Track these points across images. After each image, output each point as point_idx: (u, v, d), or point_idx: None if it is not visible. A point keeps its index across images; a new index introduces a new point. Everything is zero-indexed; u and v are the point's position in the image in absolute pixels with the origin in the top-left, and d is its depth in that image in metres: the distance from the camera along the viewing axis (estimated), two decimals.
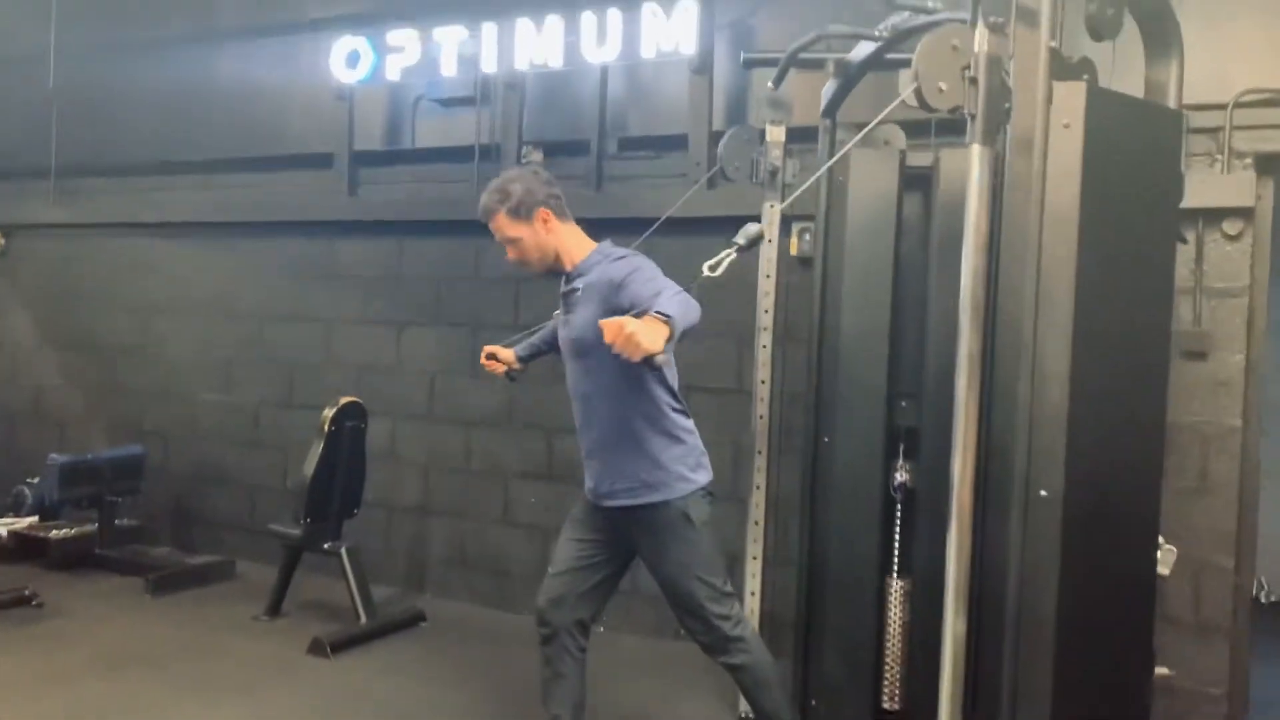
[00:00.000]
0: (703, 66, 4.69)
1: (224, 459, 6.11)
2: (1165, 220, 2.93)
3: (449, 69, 5.21)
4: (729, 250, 2.64)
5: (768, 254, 3.91)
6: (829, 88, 3.74)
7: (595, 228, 4.95)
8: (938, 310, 3.68)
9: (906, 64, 3.65)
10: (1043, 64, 2.58)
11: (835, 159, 3.44)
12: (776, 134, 3.82)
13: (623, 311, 2.81)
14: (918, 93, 2.54)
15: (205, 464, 6.15)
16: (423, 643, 4.76)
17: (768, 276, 3.90)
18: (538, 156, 5.26)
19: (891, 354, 3.75)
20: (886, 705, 3.83)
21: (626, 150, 5.05)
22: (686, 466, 2.99)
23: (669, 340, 2.50)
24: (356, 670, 4.38)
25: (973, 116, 2.54)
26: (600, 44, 4.80)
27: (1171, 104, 3.02)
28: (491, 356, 3.53)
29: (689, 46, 4.63)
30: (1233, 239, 3.82)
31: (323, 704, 4.03)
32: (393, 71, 5.34)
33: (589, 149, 5.07)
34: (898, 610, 3.81)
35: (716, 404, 4.75)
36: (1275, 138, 3.76)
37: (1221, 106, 3.78)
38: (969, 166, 2.57)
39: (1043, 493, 2.65)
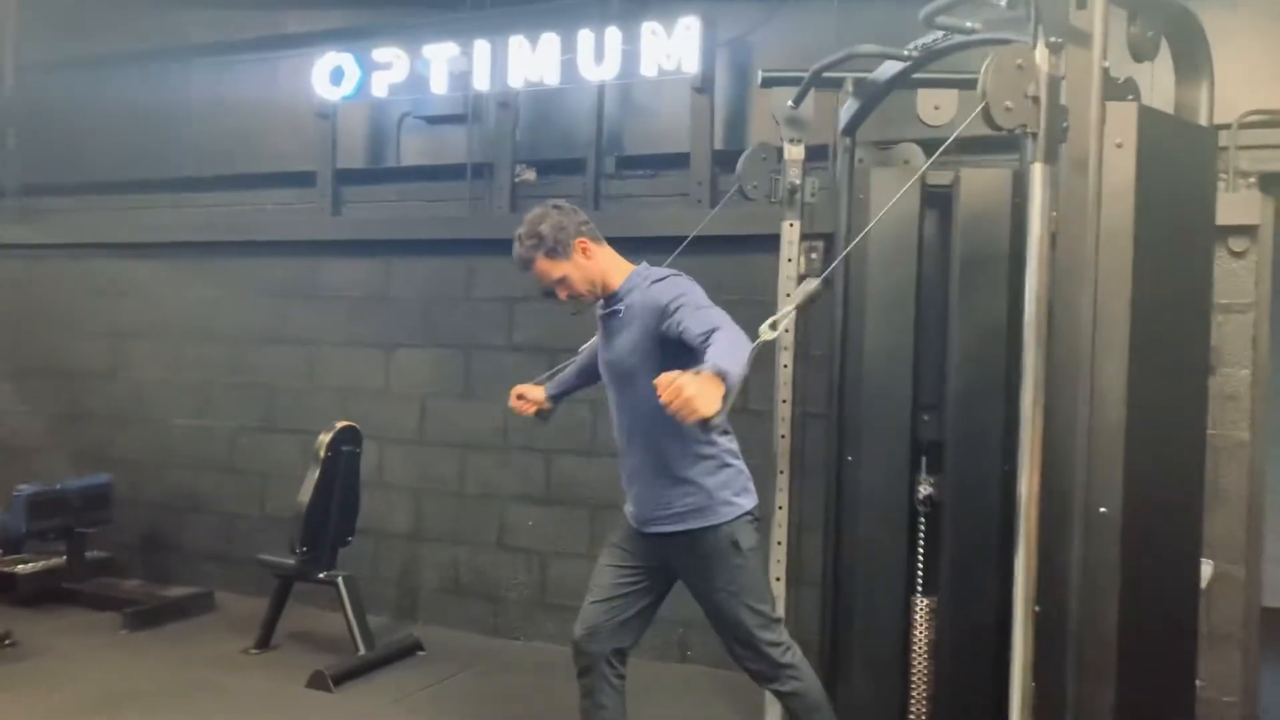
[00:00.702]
0: (705, 85, 4.68)
1: (199, 486, 5.90)
2: (1204, 237, 2.98)
3: (439, 86, 5.13)
4: (788, 309, 2.56)
5: (787, 271, 3.89)
6: (849, 106, 3.75)
7: None
8: (960, 327, 3.72)
9: (930, 84, 3.73)
10: (1096, 84, 2.60)
11: (909, 183, 3.43)
12: (795, 153, 3.81)
13: (667, 338, 2.80)
14: (985, 111, 2.54)
15: (178, 492, 5.93)
16: (424, 672, 4.62)
17: (787, 295, 3.88)
18: (531, 175, 5.21)
19: (915, 372, 3.78)
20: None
21: (624, 169, 5.01)
22: (732, 491, 2.94)
23: (726, 398, 2.36)
24: (362, 703, 4.24)
25: (1034, 135, 2.55)
26: (598, 62, 4.76)
27: (1203, 123, 3.07)
28: (521, 397, 3.40)
29: (691, 65, 4.61)
30: (1238, 256, 3.90)
31: None
32: (379, 88, 5.23)
33: (585, 168, 5.03)
34: (923, 628, 3.82)
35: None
36: (1278, 157, 3.85)
37: (1225, 126, 3.86)
38: (1031, 185, 2.57)
39: (1102, 509, 2.66)
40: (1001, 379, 3.71)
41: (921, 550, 3.81)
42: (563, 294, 3.06)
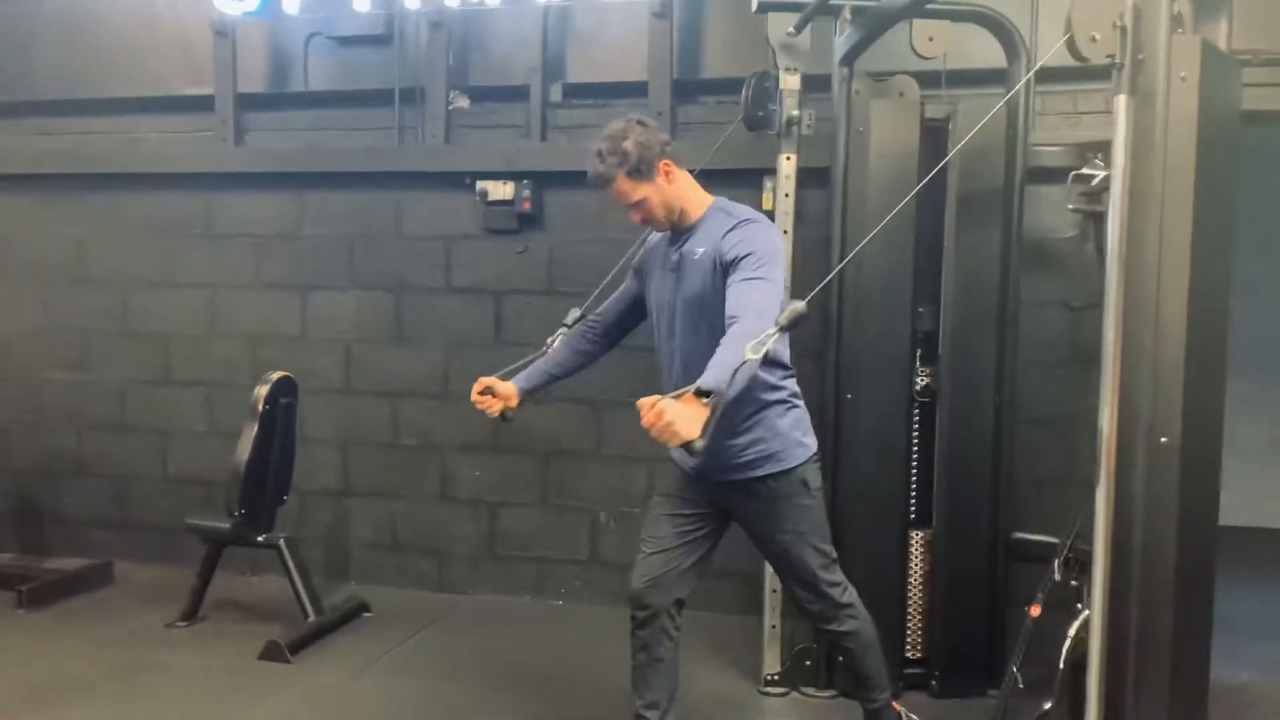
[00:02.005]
0: (664, 10, 4.46)
1: (82, 448, 5.31)
2: (1234, 167, 3.03)
3: (360, 3, 4.70)
4: (772, 332, 2.36)
5: (784, 208, 3.78)
6: (848, 35, 3.64)
7: (542, 181, 4.72)
8: (955, 262, 3.73)
9: (939, 14, 3.67)
10: (1165, 16, 2.60)
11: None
12: (792, 82, 3.67)
13: (722, 279, 2.66)
14: (1070, 42, 2.50)
15: (57, 455, 5.32)
16: (378, 636, 4.34)
17: (785, 232, 3.77)
18: (464, 103, 4.86)
19: (912, 310, 3.78)
20: (910, 654, 3.90)
21: (571, 98, 4.74)
22: (801, 432, 2.85)
23: (709, 422, 2.25)
24: (326, 673, 3.94)
25: (1121, 66, 2.52)
26: None
27: None
28: (486, 391, 3.06)
29: None
30: None
31: (322, 715, 3.60)
32: (289, 3, 4.73)
33: (528, 95, 4.72)
34: (919, 561, 3.87)
35: None
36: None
37: None
38: (1114, 117, 2.57)
39: (1163, 439, 2.71)
40: (995, 314, 3.77)
41: (914, 486, 3.86)
42: (636, 217, 2.86)
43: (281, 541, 4.30)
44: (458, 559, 4.92)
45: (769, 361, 2.78)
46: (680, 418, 2.21)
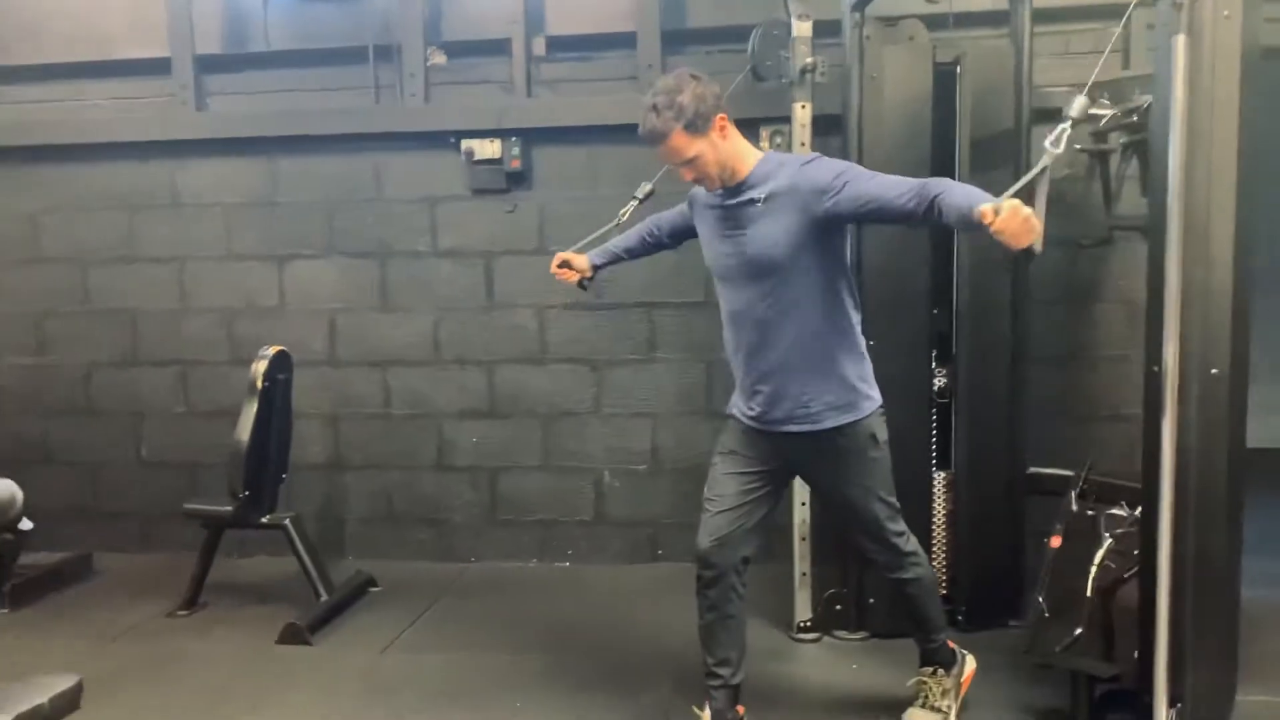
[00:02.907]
0: None
1: (48, 435, 5.05)
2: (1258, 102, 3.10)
3: None
4: (1063, 124, 2.49)
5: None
6: None
7: (529, 138, 4.60)
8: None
9: None
10: None
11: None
12: (804, 29, 3.64)
13: (830, 220, 2.64)
14: None
15: (20, 443, 5.04)
16: (393, 611, 4.24)
17: None
18: (441, 58, 4.70)
19: (931, 257, 3.80)
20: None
21: (555, 51, 4.61)
22: (868, 384, 2.84)
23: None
24: (351, 652, 3.84)
25: (1180, 6, 2.56)
26: None
27: None
28: (564, 264, 3.27)
29: None
30: None
31: (360, 696, 3.49)
32: None
33: (508, 49, 4.58)
34: (941, 501, 3.94)
35: (684, 320, 4.57)
36: None
37: None
38: (1172, 57, 2.60)
39: (1213, 371, 2.80)
40: (1008, 252, 3.81)
41: (934, 428, 3.92)
42: (689, 175, 2.77)
43: (288, 521, 4.17)
44: (458, 527, 4.84)
45: (838, 301, 2.76)
46: (1030, 216, 2.28)
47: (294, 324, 4.83)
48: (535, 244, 4.65)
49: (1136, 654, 3.07)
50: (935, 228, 2.78)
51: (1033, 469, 3.95)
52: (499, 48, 4.60)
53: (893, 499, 2.93)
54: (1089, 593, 3.52)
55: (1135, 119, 3.54)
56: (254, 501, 4.10)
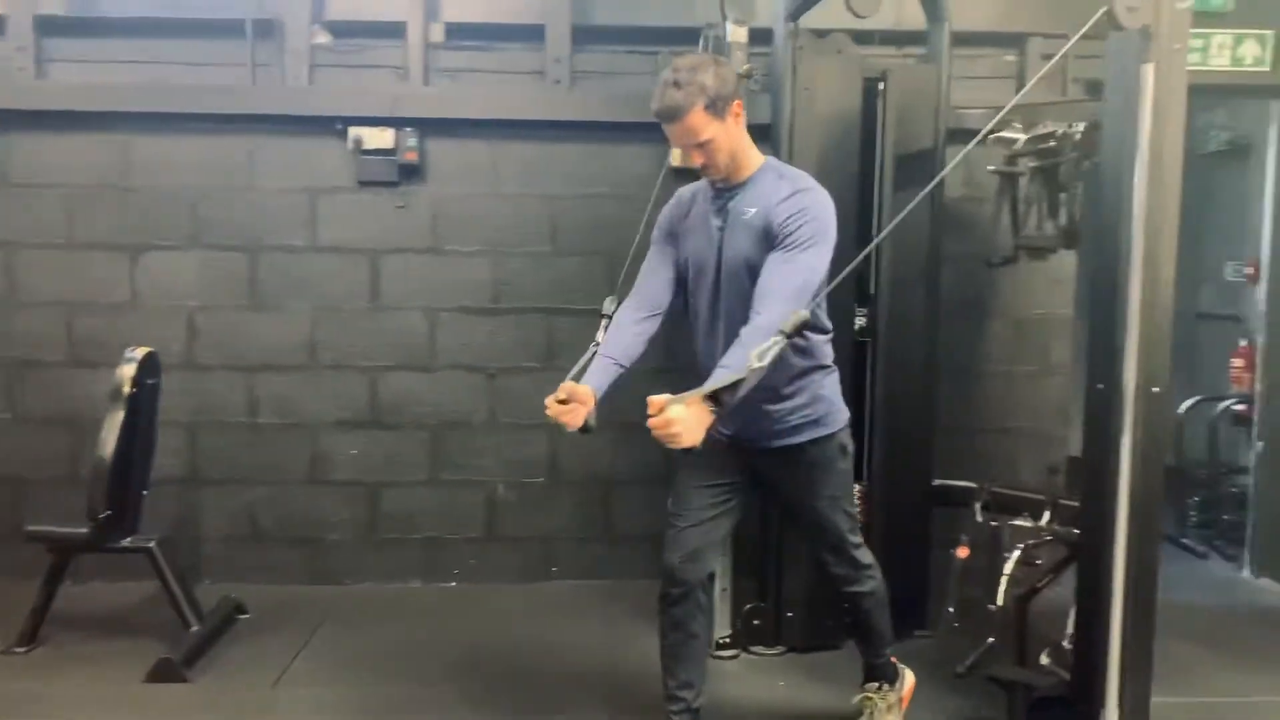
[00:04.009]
0: None
1: None
2: None
3: None
4: (778, 339, 2.31)
5: None
6: None
7: (425, 129, 4.33)
8: (890, 217, 3.79)
9: None
10: None
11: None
12: (740, 34, 3.58)
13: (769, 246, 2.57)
14: (1109, 13, 2.59)
15: None
16: (272, 639, 3.85)
17: None
18: (325, 38, 4.33)
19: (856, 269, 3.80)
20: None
21: (454, 39, 4.34)
22: (838, 396, 2.80)
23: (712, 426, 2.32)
24: (236, 686, 3.45)
25: (1151, 36, 2.64)
26: None
27: None
28: (567, 401, 2.59)
29: None
30: None
31: None
32: None
33: (403, 33, 4.28)
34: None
35: (587, 328, 4.33)
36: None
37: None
38: (1141, 86, 2.68)
39: (1155, 389, 2.90)
40: (924, 269, 3.89)
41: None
42: (699, 159, 2.63)
43: (154, 544, 3.71)
44: (332, 547, 4.47)
45: (813, 327, 2.70)
46: (685, 425, 2.25)
47: (147, 322, 4.32)
48: (428, 242, 4.36)
49: (1070, 664, 3.18)
50: None
51: (938, 481, 4.04)
52: (391, 30, 4.29)
53: (854, 510, 2.91)
54: (1000, 602, 3.63)
55: (1052, 144, 3.67)
56: (116, 522, 3.62)
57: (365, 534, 4.47)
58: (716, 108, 2.55)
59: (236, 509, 4.44)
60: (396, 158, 4.26)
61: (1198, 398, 5.29)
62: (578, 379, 2.65)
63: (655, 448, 4.29)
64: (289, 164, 4.31)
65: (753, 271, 2.61)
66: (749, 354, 2.27)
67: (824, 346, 2.76)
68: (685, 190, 2.86)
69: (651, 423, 2.24)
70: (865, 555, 2.95)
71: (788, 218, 2.56)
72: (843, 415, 2.81)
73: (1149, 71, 2.69)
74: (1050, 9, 4.28)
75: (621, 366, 2.74)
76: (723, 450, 2.79)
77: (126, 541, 3.70)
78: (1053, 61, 2.77)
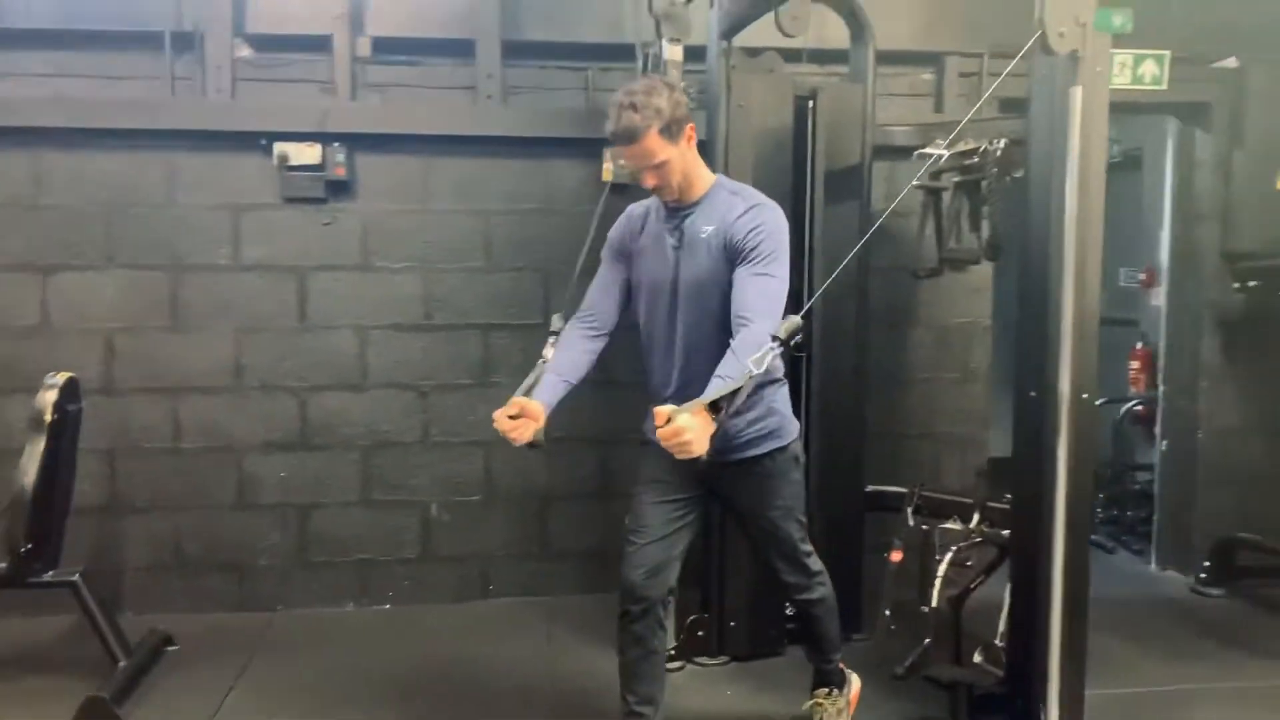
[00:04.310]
0: None
1: None
2: None
3: None
4: (774, 347, 2.36)
5: None
6: (728, 9, 3.65)
7: (353, 144, 4.27)
8: (824, 233, 3.90)
9: None
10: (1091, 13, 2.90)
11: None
12: (676, 53, 3.61)
13: (729, 263, 2.62)
14: (1042, 38, 2.70)
15: None
16: (202, 670, 3.73)
17: None
18: (246, 52, 4.24)
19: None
20: (789, 611, 4.05)
21: (381, 53, 4.28)
22: (789, 408, 2.86)
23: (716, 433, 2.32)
24: None
25: (1079, 60, 2.78)
26: None
27: None
28: (519, 416, 2.57)
29: None
30: None
31: None
32: None
33: (328, 47, 4.21)
34: None
35: (522, 343, 4.37)
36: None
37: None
38: (1070, 106, 2.81)
39: (1084, 395, 3.04)
40: (855, 281, 3.99)
41: None
42: (652, 181, 2.67)
43: (78, 577, 3.56)
44: (262, 572, 4.35)
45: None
46: (696, 433, 2.23)
47: (59, 345, 4.15)
48: (357, 258, 4.29)
49: (1005, 662, 3.31)
50: None
51: (870, 487, 4.15)
52: (315, 44, 4.22)
53: (804, 519, 2.97)
54: (934, 604, 3.74)
55: (975, 160, 3.81)
56: (37, 556, 3.47)
57: (296, 558, 4.37)
58: (671, 131, 2.60)
59: (159, 537, 4.29)
60: (324, 173, 4.18)
61: (1102, 400, 5.53)
62: (528, 394, 2.65)
63: (590, 463, 4.43)
64: (211, 180, 4.19)
65: (712, 288, 2.67)
66: (745, 362, 2.30)
67: (776, 360, 2.81)
68: (636, 208, 2.89)
69: (661, 433, 2.24)
70: (816, 563, 3.02)
71: (747, 233, 2.62)
72: (795, 427, 2.87)
73: (1077, 93, 2.82)
74: (966, 30, 4.45)
75: (569, 384, 2.77)
76: (680, 465, 2.80)
77: (49, 575, 3.55)
78: (996, 83, 2.87)
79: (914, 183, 4.05)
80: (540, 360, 2.78)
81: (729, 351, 2.45)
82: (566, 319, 2.87)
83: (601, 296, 2.88)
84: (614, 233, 2.91)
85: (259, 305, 4.26)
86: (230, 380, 4.27)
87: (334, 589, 4.39)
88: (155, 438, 4.25)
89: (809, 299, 3.89)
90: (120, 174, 4.14)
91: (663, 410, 2.26)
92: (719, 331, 2.67)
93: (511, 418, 2.56)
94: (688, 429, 2.21)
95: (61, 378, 3.53)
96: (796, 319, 2.41)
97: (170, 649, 3.92)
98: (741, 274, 2.59)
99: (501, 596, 4.47)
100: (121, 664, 3.58)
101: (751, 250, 2.59)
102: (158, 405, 4.24)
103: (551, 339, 2.83)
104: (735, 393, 2.29)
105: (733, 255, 2.63)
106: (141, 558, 4.28)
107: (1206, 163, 4.75)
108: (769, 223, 2.64)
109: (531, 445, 2.61)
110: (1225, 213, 4.68)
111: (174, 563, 4.30)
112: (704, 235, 2.67)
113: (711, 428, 2.28)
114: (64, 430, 3.53)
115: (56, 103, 4.06)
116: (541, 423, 2.61)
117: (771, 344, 2.34)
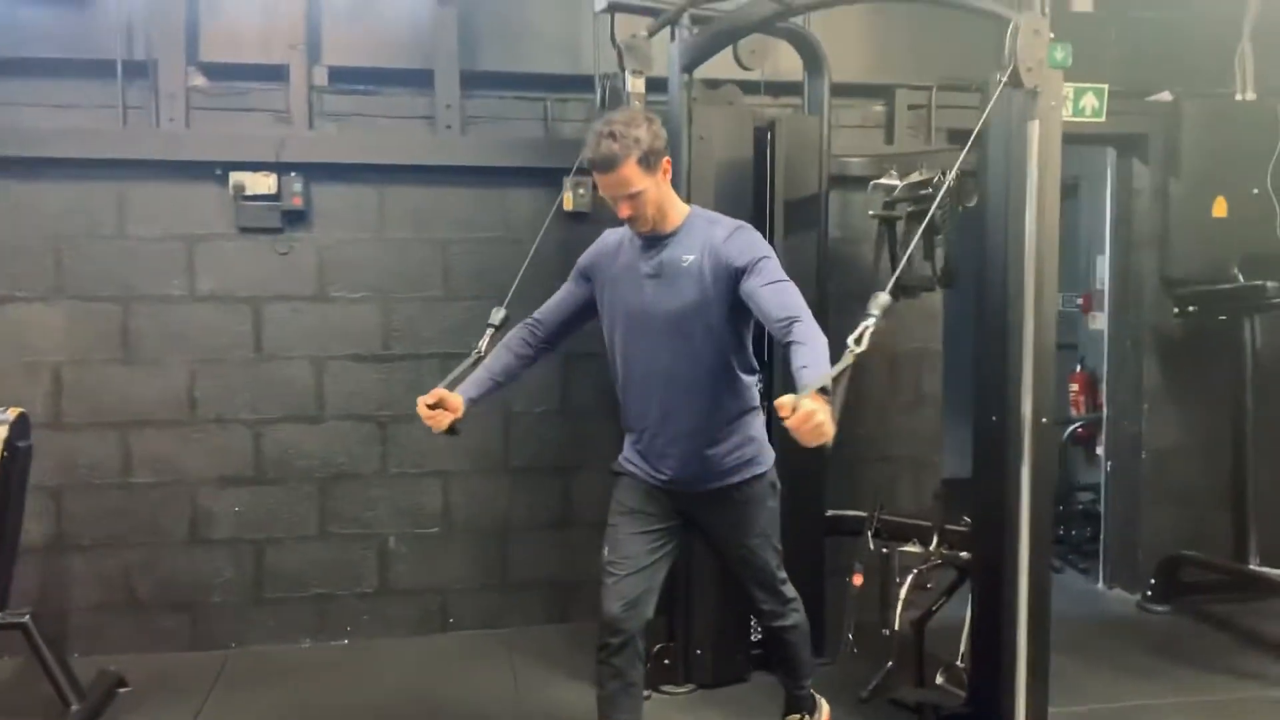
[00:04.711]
0: None
1: None
2: None
3: None
4: (870, 322, 2.40)
5: None
6: (690, 42, 3.70)
7: (310, 174, 4.25)
8: (782, 260, 3.94)
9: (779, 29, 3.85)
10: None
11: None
12: (639, 85, 3.66)
13: (737, 299, 2.64)
14: (1013, 72, 2.79)
15: None
16: (157, 711, 3.65)
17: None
18: (200, 80, 4.19)
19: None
20: (754, 638, 4.08)
21: (338, 82, 4.26)
22: (765, 435, 2.89)
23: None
24: None
25: (1038, 94, 2.87)
26: None
27: None
28: (438, 405, 2.75)
29: None
30: None
31: None
32: None
33: (284, 76, 4.19)
34: None
35: None
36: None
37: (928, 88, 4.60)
38: (1027, 139, 2.91)
39: (1044, 420, 3.12)
40: (815, 309, 4.03)
41: None
42: (626, 210, 2.68)
43: (28, 619, 3.45)
44: (215, 609, 4.26)
45: (747, 366, 2.80)
46: (827, 420, 2.19)
47: (5, 378, 4.04)
48: (313, 289, 4.25)
49: (968, 683, 3.37)
50: None
51: (831, 512, 4.19)
52: (271, 73, 4.18)
53: (780, 546, 2.99)
54: (896, 627, 3.79)
55: (929, 190, 3.90)
56: None
57: (251, 594, 4.28)
58: (648, 162, 2.63)
59: (109, 575, 4.17)
60: (280, 203, 4.14)
61: None
62: (452, 387, 2.80)
63: (551, 492, 4.43)
64: (164, 210, 4.13)
65: (693, 318, 2.69)
66: (847, 341, 2.32)
67: (754, 388, 2.85)
68: (611, 235, 2.90)
69: (790, 422, 2.18)
70: (790, 590, 3.04)
71: (744, 251, 2.65)
72: (771, 454, 2.89)
73: (1034, 127, 2.92)
74: (914, 63, 4.57)
75: (499, 384, 2.91)
76: (658, 495, 2.84)
77: None
78: (982, 119, 2.91)
79: (870, 213, 4.15)
80: (474, 351, 2.90)
81: (797, 345, 2.44)
82: (506, 313, 2.97)
83: (554, 310, 2.94)
84: (586, 255, 2.93)
85: (213, 336, 4.19)
86: (183, 413, 4.19)
87: (290, 625, 4.31)
88: (105, 473, 4.15)
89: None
90: (69, 204, 4.06)
91: (785, 401, 2.20)
92: (697, 361, 2.71)
93: (431, 406, 2.71)
94: (818, 410, 2.17)
95: (12, 413, 3.44)
96: (886, 296, 2.45)
97: (123, 690, 3.82)
98: (754, 286, 2.60)
99: (462, 629, 4.43)
100: (74, 708, 3.48)
101: (756, 264, 2.62)
102: (107, 440, 4.14)
103: (489, 332, 2.94)
104: (843, 373, 2.27)
105: (730, 276, 2.64)
106: (90, 597, 4.17)
107: (1144, 192, 4.92)
108: (758, 243, 2.71)
109: (449, 432, 2.78)
110: (1163, 240, 4.84)
111: (124, 602, 4.19)
112: (685, 264, 2.70)
113: (829, 409, 2.22)
114: (13, 468, 3.43)
115: (5, 132, 3.96)
116: (460, 415, 2.76)
117: (868, 320, 2.38)
